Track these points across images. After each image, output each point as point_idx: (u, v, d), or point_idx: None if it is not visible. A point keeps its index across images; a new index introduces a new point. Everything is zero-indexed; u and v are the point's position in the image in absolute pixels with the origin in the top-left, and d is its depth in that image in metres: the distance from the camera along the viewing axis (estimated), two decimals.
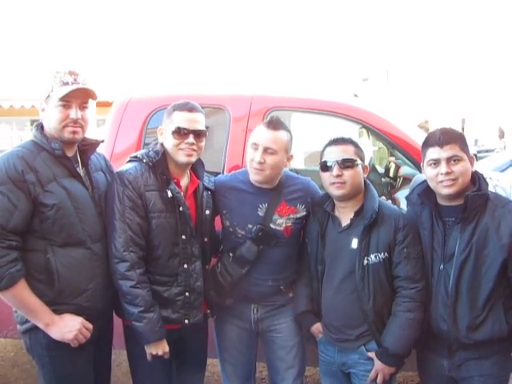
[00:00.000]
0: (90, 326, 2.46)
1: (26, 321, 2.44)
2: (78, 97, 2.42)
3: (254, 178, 2.74)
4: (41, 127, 2.48)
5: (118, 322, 2.76)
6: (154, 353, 2.56)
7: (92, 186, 2.54)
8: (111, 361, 2.84)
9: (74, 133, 2.43)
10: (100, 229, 2.52)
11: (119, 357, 4.54)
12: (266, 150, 2.68)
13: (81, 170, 2.52)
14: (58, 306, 2.40)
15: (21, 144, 2.48)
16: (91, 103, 2.51)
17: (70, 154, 2.48)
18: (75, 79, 2.42)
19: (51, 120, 2.42)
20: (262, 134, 2.72)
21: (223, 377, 3.10)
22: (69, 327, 2.39)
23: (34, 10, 16.72)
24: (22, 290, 2.32)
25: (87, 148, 2.57)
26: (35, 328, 2.41)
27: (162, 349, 2.57)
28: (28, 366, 2.57)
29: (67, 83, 2.40)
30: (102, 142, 2.66)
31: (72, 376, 2.49)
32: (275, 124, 2.73)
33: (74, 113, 2.41)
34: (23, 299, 2.34)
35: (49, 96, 2.42)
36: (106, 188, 2.60)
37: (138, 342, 2.65)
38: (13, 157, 2.34)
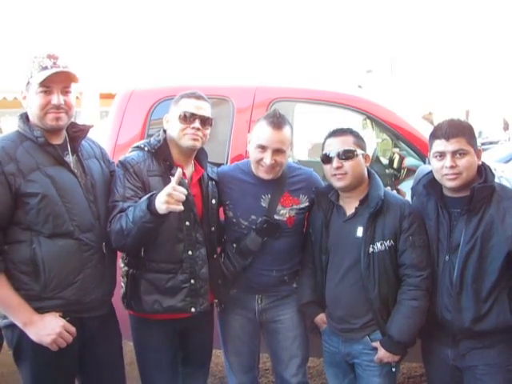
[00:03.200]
0: (73, 329, 2.33)
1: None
2: (59, 81, 2.31)
3: (264, 177, 2.73)
4: (25, 117, 2.38)
5: (122, 312, 2.75)
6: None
7: (84, 173, 2.46)
8: (121, 359, 2.75)
9: (57, 119, 2.33)
10: (91, 218, 2.42)
11: (124, 347, 4.56)
12: (274, 151, 2.67)
13: (71, 158, 2.43)
14: (44, 302, 2.30)
15: (4, 135, 2.41)
16: (74, 87, 2.41)
17: (57, 141, 2.39)
18: (54, 63, 2.31)
19: (33, 107, 2.32)
20: (268, 136, 2.68)
21: (227, 367, 3.12)
22: (48, 330, 2.26)
23: (38, 2, 16.68)
24: (1, 285, 2.23)
25: (77, 134, 2.48)
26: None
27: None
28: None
29: (46, 67, 2.29)
30: (92, 126, 2.56)
31: (53, 373, 2.39)
32: (279, 123, 2.69)
33: (56, 98, 2.30)
34: (1, 295, 2.25)
35: (28, 83, 2.32)
36: (101, 175, 2.55)
37: (143, 333, 2.67)
38: None
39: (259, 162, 2.70)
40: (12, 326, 2.34)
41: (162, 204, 2.27)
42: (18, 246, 2.28)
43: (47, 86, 2.30)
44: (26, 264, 2.28)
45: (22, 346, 2.36)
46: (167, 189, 2.27)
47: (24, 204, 2.26)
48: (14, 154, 2.26)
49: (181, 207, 2.30)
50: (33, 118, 2.36)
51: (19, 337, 2.35)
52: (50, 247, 2.29)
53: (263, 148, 2.67)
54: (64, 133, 2.45)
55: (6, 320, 2.36)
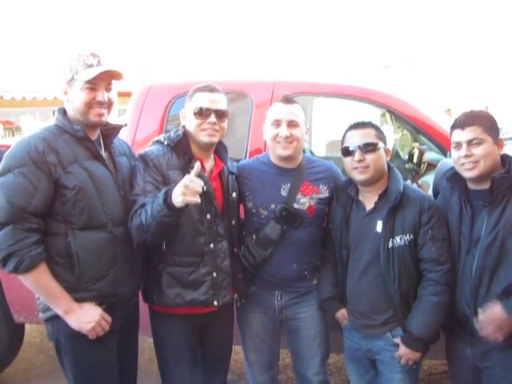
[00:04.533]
0: (109, 318, 2.42)
1: (48, 308, 2.42)
2: (104, 79, 2.40)
3: (282, 153, 2.73)
4: (63, 111, 2.47)
5: (142, 307, 2.76)
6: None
7: (116, 169, 2.53)
8: (137, 350, 2.83)
9: (100, 115, 2.41)
10: (122, 212, 2.48)
11: (142, 343, 4.56)
12: (289, 124, 2.70)
13: (104, 154, 2.51)
14: (78, 294, 2.37)
15: (43, 127, 2.47)
16: (114, 86, 2.50)
17: (92, 137, 2.46)
18: (99, 61, 2.40)
19: (76, 102, 2.39)
20: (281, 110, 2.74)
21: (246, 365, 3.10)
22: (88, 317, 2.36)
23: (54, 4, 16.82)
24: (43, 274, 2.30)
25: (110, 132, 2.55)
26: (57, 316, 2.39)
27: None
28: (53, 352, 2.57)
29: (92, 65, 2.37)
30: (125, 125, 2.66)
31: (95, 365, 2.47)
32: (290, 99, 2.77)
33: (102, 95, 2.39)
34: (43, 284, 2.32)
35: (73, 78, 2.39)
36: (129, 172, 2.60)
37: (163, 328, 2.67)
38: (34, 138, 2.33)
39: (276, 138, 2.72)
40: (52, 320, 2.43)
41: (178, 196, 2.26)
42: (54, 238, 2.34)
43: (93, 82, 2.37)
44: (61, 256, 2.35)
45: (61, 338, 2.45)
46: (184, 180, 2.27)
47: (61, 195, 2.32)
48: (55, 145, 2.34)
49: (197, 199, 2.29)
50: (74, 113, 2.42)
51: (59, 330, 2.43)
52: (84, 240, 2.36)
53: (278, 123, 2.71)
54: (99, 129, 2.52)
55: (47, 313, 2.44)
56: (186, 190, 2.25)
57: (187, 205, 2.30)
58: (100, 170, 2.43)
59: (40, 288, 2.36)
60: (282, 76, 3.84)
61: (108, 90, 2.44)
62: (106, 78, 2.42)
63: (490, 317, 2.34)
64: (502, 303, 2.33)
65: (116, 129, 2.58)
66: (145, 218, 2.39)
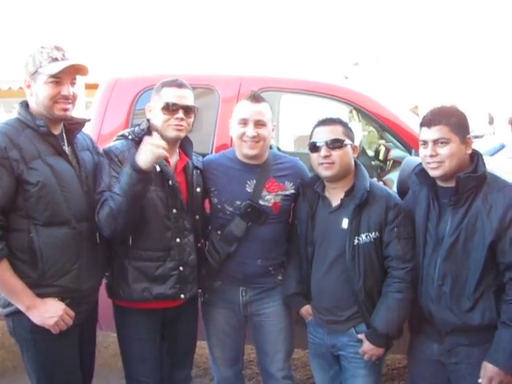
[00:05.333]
0: (72, 313, 2.41)
1: (9, 304, 2.39)
2: (69, 73, 2.37)
3: (248, 152, 2.73)
4: (25, 104, 2.42)
5: (106, 303, 2.74)
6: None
7: (79, 164, 2.49)
8: (95, 344, 2.80)
9: (65, 110, 2.38)
10: (86, 208, 2.46)
11: (107, 338, 4.53)
12: (256, 124, 2.69)
13: (67, 149, 2.47)
14: (41, 289, 2.35)
15: (4, 121, 2.41)
16: (79, 80, 2.47)
17: (55, 131, 2.42)
18: (63, 55, 2.36)
19: (41, 96, 2.35)
20: (248, 109, 2.73)
21: (211, 360, 3.10)
22: (50, 312, 2.34)
23: None
24: (4, 270, 2.27)
25: (74, 127, 2.52)
26: (18, 311, 2.36)
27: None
28: (15, 348, 2.54)
29: (56, 59, 2.34)
30: (89, 120, 2.62)
31: (57, 360, 2.45)
32: (258, 97, 2.76)
33: (67, 89, 2.36)
34: (5, 280, 2.29)
35: (36, 72, 2.34)
36: (92, 167, 2.57)
37: (128, 323, 2.67)
38: None
39: (242, 137, 2.71)
40: (13, 315, 2.40)
41: (145, 153, 2.36)
42: (16, 234, 2.31)
43: (58, 77, 2.33)
44: (24, 252, 2.32)
45: (22, 334, 2.42)
46: (144, 141, 2.40)
47: (24, 191, 2.28)
48: (17, 140, 2.29)
49: (164, 152, 2.40)
50: (37, 107, 2.38)
51: (20, 325, 2.40)
52: (47, 236, 2.33)
53: (244, 121, 2.71)
54: (62, 124, 2.48)
55: (7, 309, 2.41)
56: (151, 146, 2.35)
57: (155, 167, 2.43)
58: (63, 166, 2.40)
59: (1, 284, 2.32)
60: (249, 71, 3.83)
61: (72, 84, 2.41)
62: (72, 73, 2.38)
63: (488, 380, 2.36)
64: (488, 359, 2.35)
65: (80, 124, 2.54)
66: (113, 201, 2.41)
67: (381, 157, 4.39)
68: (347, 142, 2.62)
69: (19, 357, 2.53)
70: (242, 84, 3.53)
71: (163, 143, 2.41)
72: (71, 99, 2.40)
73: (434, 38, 22.03)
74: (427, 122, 2.43)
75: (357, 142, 3.59)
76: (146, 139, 2.41)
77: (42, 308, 2.34)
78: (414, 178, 2.62)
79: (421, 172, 2.55)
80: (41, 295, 2.35)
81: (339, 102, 3.60)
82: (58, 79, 2.34)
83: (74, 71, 2.40)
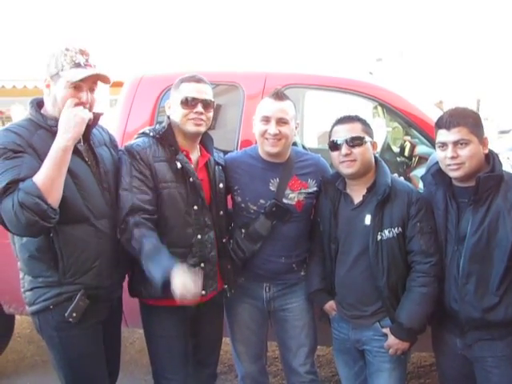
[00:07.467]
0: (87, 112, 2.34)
1: (35, 302, 2.41)
2: (91, 80, 2.36)
3: (270, 150, 2.73)
4: (36, 104, 2.40)
5: (131, 300, 2.75)
6: None
7: (97, 161, 2.48)
8: (120, 340, 2.83)
9: None
10: (105, 205, 2.46)
11: (132, 335, 4.58)
12: (278, 121, 2.68)
13: (82, 146, 2.44)
14: (64, 288, 2.36)
15: (16, 122, 2.40)
16: (100, 83, 2.45)
17: None
18: (87, 60, 2.35)
19: (58, 99, 2.33)
20: (271, 106, 2.72)
21: (235, 356, 3.12)
22: (70, 123, 2.25)
23: None
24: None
25: (89, 123, 2.44)
26: (44, 309, 2.38)
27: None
28: (43, 343, 2.58)
29: (79, 64, 2.32)
30: (102, 114, 2.55)
31: (82, 356, 2.47)
32: (281, 95, 2.75)
33: (85, 96, 2.35)
34: (45, 175, 2.17)
35: (57, 74, 2.32)
36: (112, 163, 2.56)
37: (154, 320, 2.68)
38: (9, 132, 2.26)
39: (264, 134, 2.71)
40: (38, 313, 2.42)
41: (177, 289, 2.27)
42: None
43: (78, 84, 2.32)
44: (45, 252, 2.33)
45: (48, 331, 2.44)
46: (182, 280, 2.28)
47: None
48: (31, 141, 2.27)
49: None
50: (53, 108, 2.35)
51: (46, 323, 2.42)
52: (66, 235, 2.33)
53: (267, 119, 2.70)
54: None
55: (33, 307, 2.42)
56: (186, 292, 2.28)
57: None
58: (78, 165, 2.37)
59: (49, 177, 2.17)
60: (273, 68, 3.82)
61: (92, 90, 2.39)
62: (93, 80, 2.38)
63: None
64: None
65: (95, 118, 2.48)
66: (139, 252, 2.39)
67: (406, 153, 4.34)
68: (367, 138, 2.61)
69: (47, 352, 2.57)
70: (266, 80, 3.52)
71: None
72: (89, 105, 2.37)
73: (458, 30, 21.75)
74: (446, 124, 2.42)
75: (382, 138, 3.57)
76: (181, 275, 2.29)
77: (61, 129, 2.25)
78: (430, 178, 2.62)
79: (437, 172, 2.55)
80: (63, 294, 2.37)
81: (364, 98, 3.57)
82: (77, 85, 2.32)
83: (96, 78, 2.39)
